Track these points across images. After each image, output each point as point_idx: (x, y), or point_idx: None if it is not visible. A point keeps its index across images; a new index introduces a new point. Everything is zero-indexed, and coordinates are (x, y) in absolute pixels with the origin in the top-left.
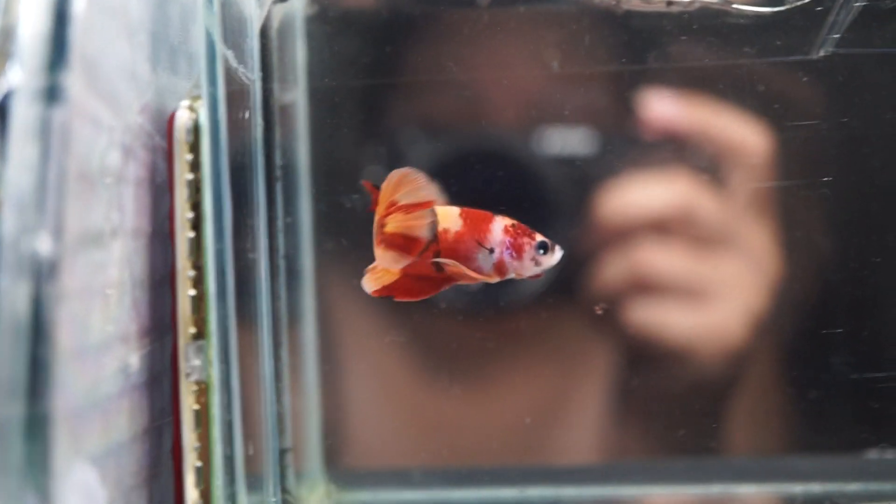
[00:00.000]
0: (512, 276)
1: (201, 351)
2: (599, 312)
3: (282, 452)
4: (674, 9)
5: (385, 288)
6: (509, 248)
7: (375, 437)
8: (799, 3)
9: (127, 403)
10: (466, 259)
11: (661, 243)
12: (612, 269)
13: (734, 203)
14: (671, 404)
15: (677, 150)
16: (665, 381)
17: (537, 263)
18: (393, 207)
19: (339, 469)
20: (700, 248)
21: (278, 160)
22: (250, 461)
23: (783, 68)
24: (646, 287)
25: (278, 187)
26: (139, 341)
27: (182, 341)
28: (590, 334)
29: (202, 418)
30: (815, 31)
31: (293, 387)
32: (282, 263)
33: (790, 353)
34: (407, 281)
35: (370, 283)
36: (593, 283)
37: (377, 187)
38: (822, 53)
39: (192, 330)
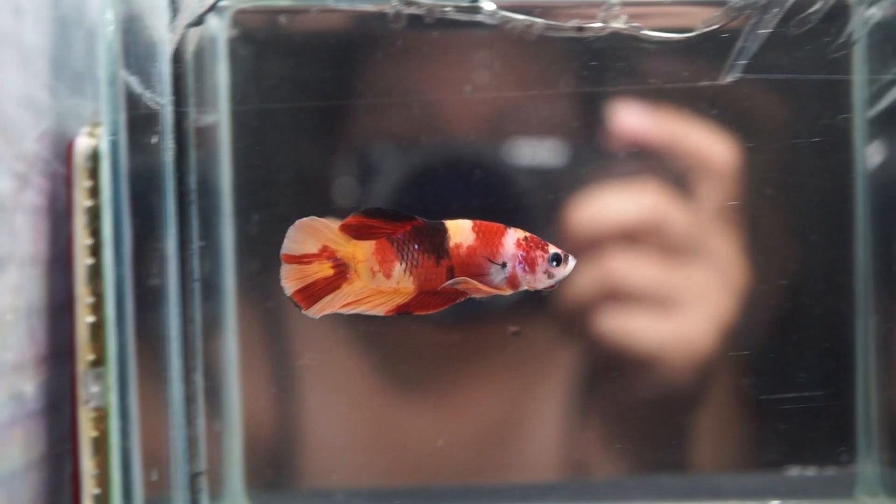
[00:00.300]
0: (525, 288)
1: (100, 378)
2: (514, 332)
3: (193, 476)
4: (586, 34)
5: (400, 307)
6: (522, 262)
7: (306, 457)
8: (706, 31)
9: (21, 431)
10: (479, 274)
11: (630, 254)
12: (582, 280)
13: (702, 214)
14: (635, 419)
15: (646, 161)
16: (630, 394)
17: (550, 276)
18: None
19: (264, 490)
20: (669, 259)
21: (193, 183)
22: (154, 487)
23: (696, 93)
24: (615, 297)
25: (193, 210)
26: (36, 368)
27: (80, 368)
28: (553, 346)
29: (101, 445)
30: (723, 58)
31: (210, 409)
32: (196, 286)
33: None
34: (424, 297)
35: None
36: (562, 293)
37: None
38: (729, 79)
39: (91, 357)
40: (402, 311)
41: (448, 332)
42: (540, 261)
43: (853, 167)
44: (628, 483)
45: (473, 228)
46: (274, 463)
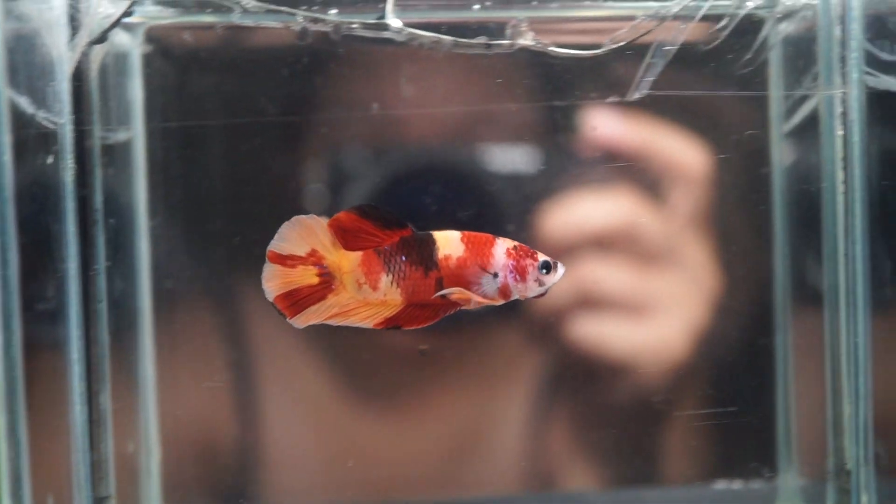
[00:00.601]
0: (516, 297)
1: None
2: (421, 351)
3: (99, 500)
4: (494, 51)
5: (388, 320)
6: (513, 272)
7: (234, 474)
8: (613, 47)
9: None
10: (469, 284)
11: (603, 260)
12: (554, 287)
13: (675, 220)
14: (603, 431)
15: (620, 167)
16: (599, 404)
17: (541, 283)
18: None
19: None
20: (642, 265)
21: (98, 203)
22: None
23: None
24: (587, 303)
25: (99, 229)
26: None
27: None
28: (522, 354)
29: None
30: (631, 75)
31: (121, 431)
32: (102, 307)
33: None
34: (412, 310)
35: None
36: (534, 300)
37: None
38: (636, 96)
39: None
40: (392, 325)
41: (409, 341)
42: (530, 269)
43: (770, 181)
44: (589, 496)
45: (462, 239)
46: (199, 481)
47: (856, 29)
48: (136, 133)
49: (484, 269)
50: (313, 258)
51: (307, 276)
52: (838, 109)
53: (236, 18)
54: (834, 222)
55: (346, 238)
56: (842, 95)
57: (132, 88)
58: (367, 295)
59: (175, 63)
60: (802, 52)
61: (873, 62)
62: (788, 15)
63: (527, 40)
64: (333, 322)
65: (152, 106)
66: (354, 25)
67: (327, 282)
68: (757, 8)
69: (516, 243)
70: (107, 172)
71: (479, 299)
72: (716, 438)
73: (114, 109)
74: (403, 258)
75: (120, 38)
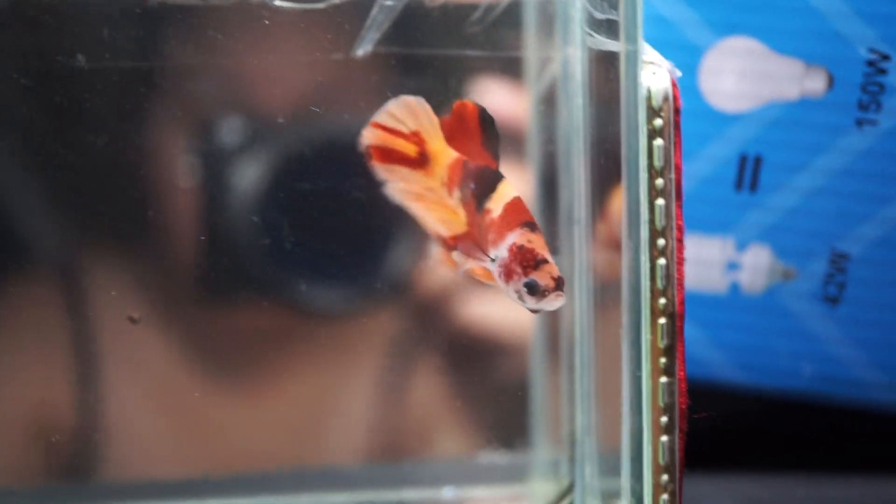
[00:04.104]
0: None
1: None
2: (132, 319)
3: None
4: (211, 2)
5: (446, 241)
6: (501, 267)
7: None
8: (336, 2)
9: None
10: (477, 251)
11: None
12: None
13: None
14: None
15: (511, 141)
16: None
17: (520, 298)
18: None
19: None
20: None
21: None
22: None
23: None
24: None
25: None
26: None
27: None
28: (373, 330)
29: None
30: (356, 31)
31: None
32: None
33: None
34: (467, 242)
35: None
36: (419, 279)
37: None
38: (361, 52)
39: None
40: (448, 246)
41: (260, 317)
42: (515, 277)
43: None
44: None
45: (507, 205)
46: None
47: None
48: None
49: (493, 244)
50: (415, 138)
51: (407, 148)
52: (574, 70)
53: None
54: (570, 185)
55: (454, 133)
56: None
57: None
58: (443, 196)
59: None
60: (547, 15)
61: (593, 23)
62: None
63: None
64: (415, 208)
65: None
66: None
67: (422, 161)
68: None
69: (528, 241)
70: None
71: (484, 279)
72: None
73: None
74: (472, 186)
75: None
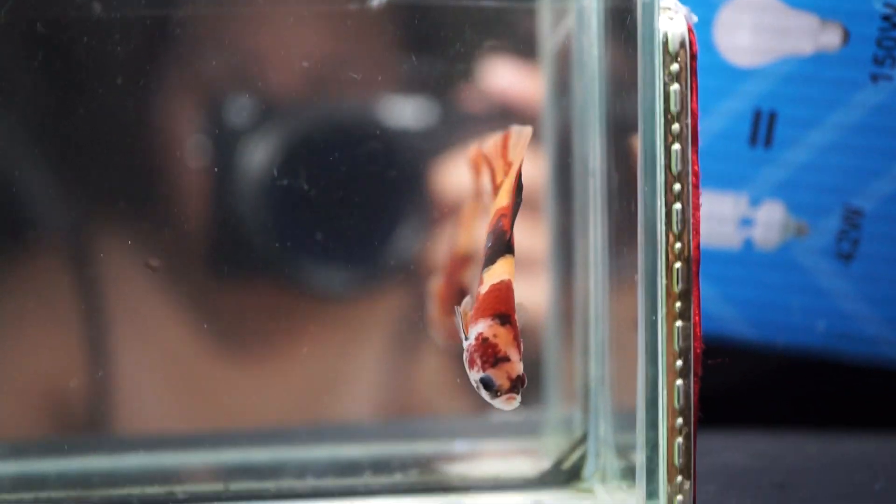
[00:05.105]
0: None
1: None
2: (153, 267)
3: None
4: None
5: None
6: (468, 352)
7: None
8: None
9: None
10: (458, 328)
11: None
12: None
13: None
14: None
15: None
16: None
17: (478, 389)
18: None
19: None
20: (530, 220)
21: None
22: None
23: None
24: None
25: None
26: None
27: None
28: (387, 309)
29: None
30: None
31: None
32: None
33: None
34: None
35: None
36: (426, 256)
37: None
38: (376, 2)
39: None
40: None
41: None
42: (475, 368)
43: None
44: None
45: (496, 286)
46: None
47: None
48: None
49: (464, 329)
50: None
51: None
52: (590, 21)
53: None
54: (584, 139)
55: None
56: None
57: None
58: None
59: None
60: None
61: None
62: None
63: None
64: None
65: None
66: None
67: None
68: None
69: (494, 335)
70: None
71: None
72: None
73: None
74: (489, 244)
75: None
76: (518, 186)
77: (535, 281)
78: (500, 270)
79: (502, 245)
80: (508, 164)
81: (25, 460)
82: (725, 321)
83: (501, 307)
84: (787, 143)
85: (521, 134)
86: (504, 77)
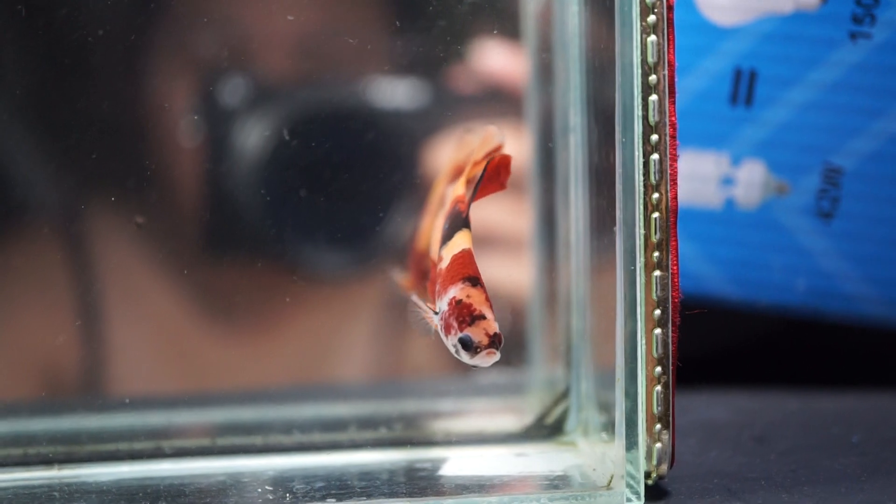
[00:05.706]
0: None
1: None
2: (139, 223)
3: None
4: None
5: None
6: (443, 320)
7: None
8: None
9: None
10: (425, 305)
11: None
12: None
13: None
14: None
15: (506, 102)
16: None
17: (457, 353)
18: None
19: None
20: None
21: None
22: None
23: None
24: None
25: None
26: None
27: None
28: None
29: None
30: None
31: None
32: None
33: None
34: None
35: None
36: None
37: None
38: None
39: None
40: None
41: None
42: (452, 332)
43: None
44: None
45: (458, 255)
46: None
47: None
48: None
49: (432, 302)
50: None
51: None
52: None
53: None
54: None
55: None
56: None
57: None
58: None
59: None
60: None
61: None
62: None
63: None
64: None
65: None
66: None
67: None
68: None
69: (467, 296)
70: None
71: (428, 319)
72: None
73: None
74: (445, 226)
75: None
76: (478, 181)
77: (519, 248)
78: (458, 242)
79: (459, 222)
80: (477, 163)
81: (14, 419)
82: (707, 280)
83: (468, 271)
84: (767, 102)
85: (495, 136)
86: (491, 55)
